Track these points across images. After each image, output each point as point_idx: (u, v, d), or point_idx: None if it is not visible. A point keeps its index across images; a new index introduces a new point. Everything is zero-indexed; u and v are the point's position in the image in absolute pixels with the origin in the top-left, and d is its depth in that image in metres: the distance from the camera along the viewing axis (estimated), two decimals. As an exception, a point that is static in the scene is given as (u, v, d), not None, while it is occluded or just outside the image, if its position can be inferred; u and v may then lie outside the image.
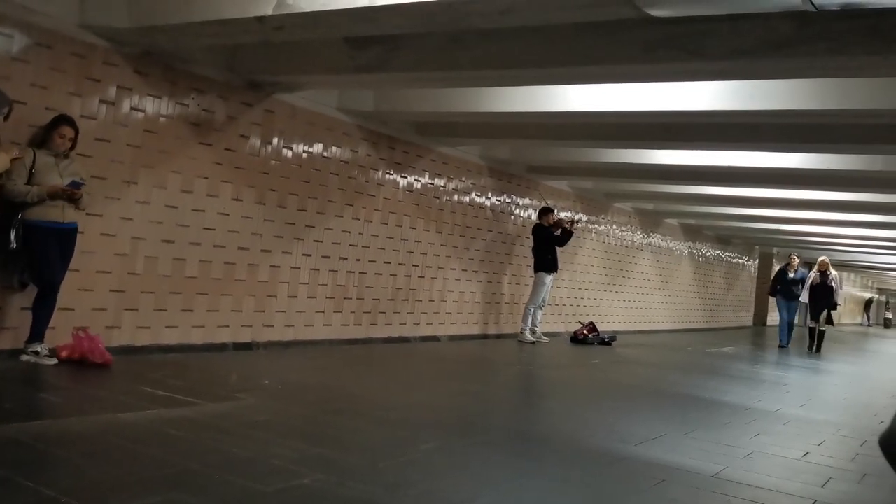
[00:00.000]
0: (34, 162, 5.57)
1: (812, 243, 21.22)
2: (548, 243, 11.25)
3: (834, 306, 14.74)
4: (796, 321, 16.20)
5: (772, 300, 16.66)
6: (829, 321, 14.93)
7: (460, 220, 10.67)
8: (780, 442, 5.51)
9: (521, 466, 4.23)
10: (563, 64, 5.87)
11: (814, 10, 3.66)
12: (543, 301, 11.38)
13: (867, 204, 12.57)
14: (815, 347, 14.72)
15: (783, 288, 15.45)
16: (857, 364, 15.08)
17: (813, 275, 14.83)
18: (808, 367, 12.01)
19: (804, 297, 14.82)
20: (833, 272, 14.85)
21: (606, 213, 15.02)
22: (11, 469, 3.19)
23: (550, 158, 11.21)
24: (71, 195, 5.66)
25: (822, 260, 15.03)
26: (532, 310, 11.31)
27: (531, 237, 11.44)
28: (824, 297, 14.52)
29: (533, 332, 11.40)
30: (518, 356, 10.08)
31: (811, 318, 15.09)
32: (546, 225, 11.36)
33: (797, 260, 15.75)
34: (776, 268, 15.89)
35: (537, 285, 11.23)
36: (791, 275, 15.33)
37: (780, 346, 15.17)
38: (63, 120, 5.72)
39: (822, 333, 14.84)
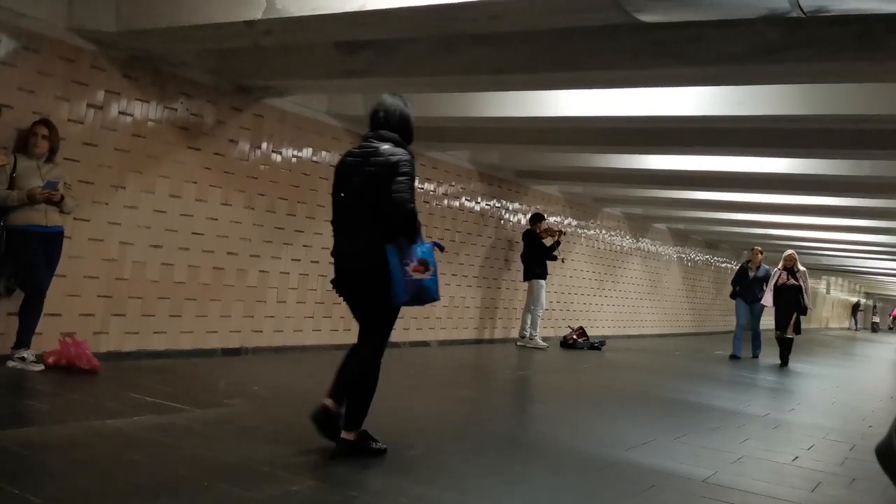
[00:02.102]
0: (15, 167, 5.53)
1: (800, 248, 21.28)
2: (537, 251, 11.28)
3: (804, 310, 12.12)
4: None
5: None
6: (797, 329, 12.18)
7: (450, 225, 10.67)
8: (769, 446, 5.52)
9: (510, 472, 4.22)
10: (552, 69, 5.88)
11: (803, 15, 3.67)
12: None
13: (855, 209, 12.64)
14: (782, 361, 12.20)
15: (742, 288, 12.96)
16: (846, 368, 15.15)
17: (777, 273, 12.20)
18: (797, 372, 12.04)
19: (768, 300, 12.28)
20: (802, 269, 12.22)
21: (595, 218, 15.05)
22: (-3, 477, 3.16)
23: (540, 163, 11.23)
24: (49, 198, 5.60)
25: (789, 254, 12.30)
26: (540, 314, 11.37)
27: (523, 242, 11.46)
28: (792, 299, 11.99)
29: (522, 337, 11.43)
30: (507, 361, 10.07)
31: (777, 326, 12.36)
32: (536, 231, 11.40)
33: (761, 255, 13.09)
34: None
35: (538, 290, 11.26)
36: (752, 272, 12.88)
37: (732, 356, 12.76)
38: (38, 121, 5.68)
39: (788, 343, 12.21)
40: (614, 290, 15.99)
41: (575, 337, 12.36)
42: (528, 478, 4.12)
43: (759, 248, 13.23)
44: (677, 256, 19.69)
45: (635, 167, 10.51)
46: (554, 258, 11.58)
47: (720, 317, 23.10)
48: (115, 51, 6.27)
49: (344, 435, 4.03)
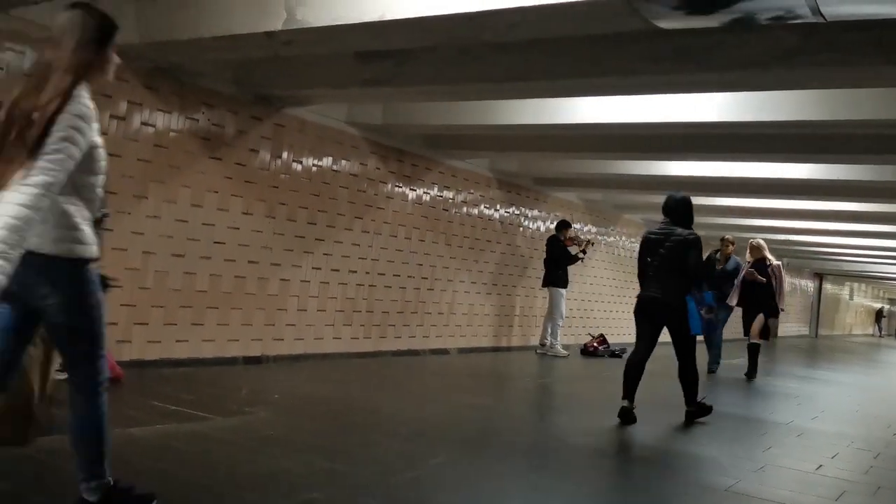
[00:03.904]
0: None
1: (822, 254, 21.12)
2: (560, 258, 11.23)
3: (775, 311, 10.22)
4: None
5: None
6: (765, 333, 10.30)
7: (469, 233, 10.67)
8: (793, 454, 5.47)
9: (532, 480, 4.22)
10: (570, 76, 5.88)
11: (822, 21, 3.65)
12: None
13: (877, 214, 12.52)
14: (750, 371, 10.25)
15: (709, 285, 10.40)
16: (870, 375, 14.99)
17: (744, 266, 10.32)
18: (820, 380, 11.94)
19: (733, 300, 10.33)
20: (774, 261, 10.36)
21: (615, 225, 15.00)
22: (23, 484, 3.20)
23: (559, 170, 11.21)
24: None
25: (756, 243, 10.40)
26: (561, 323, 11.33)
27: (545, 248, 11.40)
28: (761, 298, 10.10)
29: (542, 345, 11.41)
30: (527, 369, 10.05)
31: (745, 331, 10.54)
32: (561, 238, 11.34)
33: (732, 246, 10.78)
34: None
35: (557, 299, 11.21)
36: (720, 266, 10.65)
37: (710, 371, 10.38)
38: None
39: (753, 350, 10.25)
40: (635, 297, 15.88)
41: (595, 345, 12.31)
42: (549, 486, 4.11)
43: (731, 238, 11.01)
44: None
45: (655, 174, 10.47)
46: (576, 259, 11.49)
47: (740, 324, 22.93)
48: (137, 62, 6.33)
49: (688, 407, 6.28)
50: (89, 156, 2.60)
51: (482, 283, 11.02)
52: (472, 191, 10.65)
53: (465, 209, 10.54)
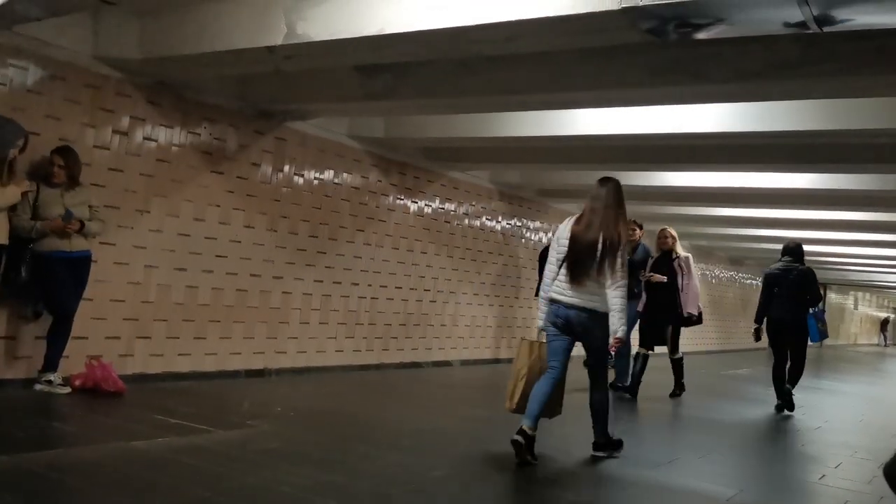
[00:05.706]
0: (37, 196, 5.60)
1: (826, 263, 21.09)
2: None
3: (687, 318, 8.35)
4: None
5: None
6: (674, 344, 8.52)
7: (471, 245, 10.69)
8: (796, 464, 5.46)
9: (533, 493, 4.21)
10: (569, 89, 5.90)
11: (819, 31, 3.67)
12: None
13: (881, 223, 12.51)
14: (676, 389, 8.65)
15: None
16: (874, 385, 14.94)
17: (650, 261, 8.46)
18: (825, 389, 11.90)
19: (641, 304, 8.29)
20: (683, 254, 8.46)
21: (618, 236, 14.96)
22: (25, 499, 3.21)
23: (560, 182, 11.23)
24: (73, 230, 5.68)
25: (665, 232, 8.56)
26: None
27: (538, 260, 11.40)
28: (667, 300, 8.17)
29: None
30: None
31: (641, 342, 8.36)
32: None
33: (640, 231, 8.68)
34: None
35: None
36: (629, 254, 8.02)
37: (616, 387, 8.23)
38: (54, 150, 5.72)
39: (677, 364, 8.62)
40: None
41: (598, 355, 12.24)
42: (551, 498, 4.10)
43: (638, 223, 8.78)
44: (701, 273, 19.53)
45: (656, 184, 10.49)
46: None
47: (747, 334, 22.86)
48: (139, 77, 6.38)
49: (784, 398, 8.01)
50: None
51: (484, 295, 11.02)
52: (473, 203, 10.68)
53: (466, 221, 10.56)
